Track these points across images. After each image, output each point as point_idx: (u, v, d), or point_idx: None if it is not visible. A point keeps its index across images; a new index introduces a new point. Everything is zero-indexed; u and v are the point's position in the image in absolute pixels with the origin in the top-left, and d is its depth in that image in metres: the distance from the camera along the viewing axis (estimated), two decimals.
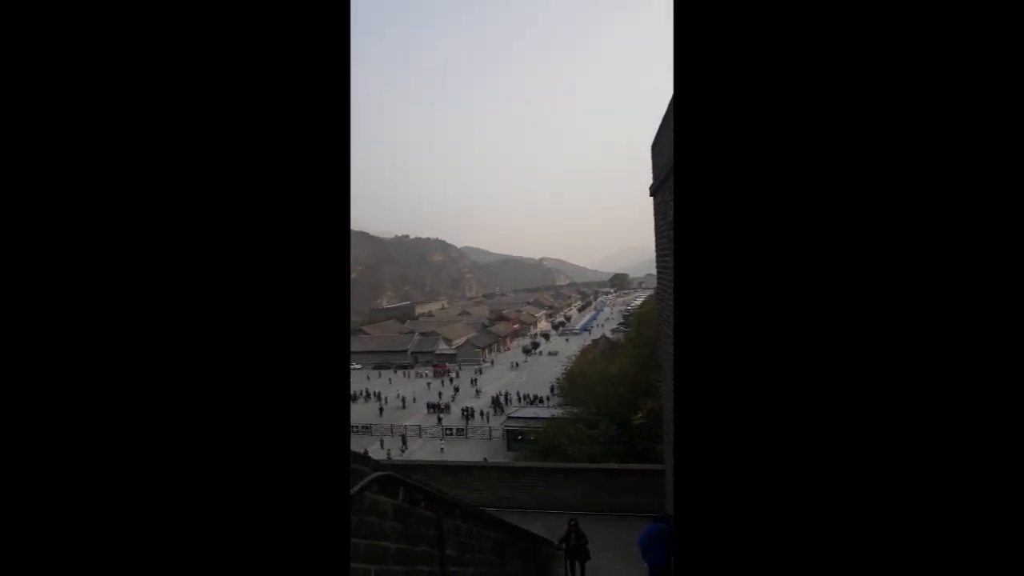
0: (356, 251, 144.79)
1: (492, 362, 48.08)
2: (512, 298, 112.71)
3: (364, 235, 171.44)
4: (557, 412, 21.93)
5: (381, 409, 31.68)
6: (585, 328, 64.72)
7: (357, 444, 23.58)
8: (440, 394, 34.86)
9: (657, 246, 6.17)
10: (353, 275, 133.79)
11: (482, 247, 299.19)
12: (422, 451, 23.61)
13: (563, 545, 6.09)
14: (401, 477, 2.15)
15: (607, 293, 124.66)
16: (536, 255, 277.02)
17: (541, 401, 29.76)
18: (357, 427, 27.27)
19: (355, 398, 35.39)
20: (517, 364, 45.13)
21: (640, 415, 12.17)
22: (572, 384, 23.09)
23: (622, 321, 55.42)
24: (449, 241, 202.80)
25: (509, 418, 24.10)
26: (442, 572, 2.55)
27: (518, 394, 32.18)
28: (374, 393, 36.49)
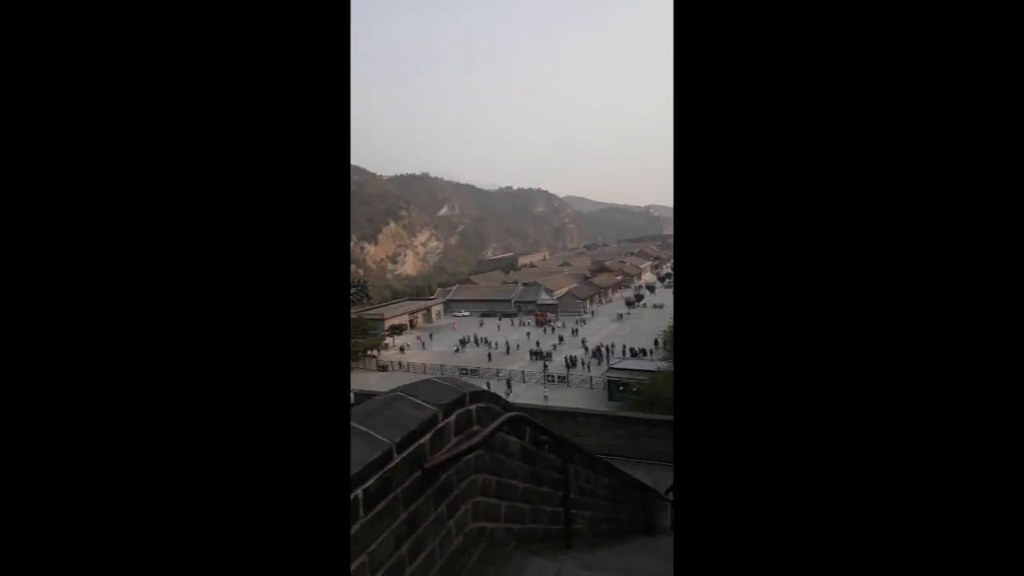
0: (463, 204, 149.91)
1: (593, 313, 47.79)
2: (615, 248, 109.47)
3: (471, 188, 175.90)
4: (663, 365, 21.30)
5: (490, 355, 33.42)
6: None
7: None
8: (538, 343, 35.76)
9: None
10: (460, 227, 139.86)
11: (585, 196, 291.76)
12: (525, 395, 24.69)
13: (670, 495, 6.01)
14: (530, 418, 2.15)
15: None
16: (642, 203, 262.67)
17: (645, 354, 29.14)
18: (466, 370, 29.27)
19: (465, 343, 37.79)
20: (620, 316, 44.35)
21: None
22: None
23: None
24: (552, 191, 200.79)
25: (611, 368, 24.03)
26: (565, 513, 2.58)
27: (623, 346, 31.82)
28: (482, 339, 38.62)
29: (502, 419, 1.73)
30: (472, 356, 34.14)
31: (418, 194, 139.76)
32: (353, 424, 1.31)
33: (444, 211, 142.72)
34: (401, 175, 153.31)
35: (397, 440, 1.30)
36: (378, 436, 1.28)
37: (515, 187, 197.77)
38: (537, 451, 2.36)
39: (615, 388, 22.13)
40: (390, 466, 1.26)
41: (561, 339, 36.77)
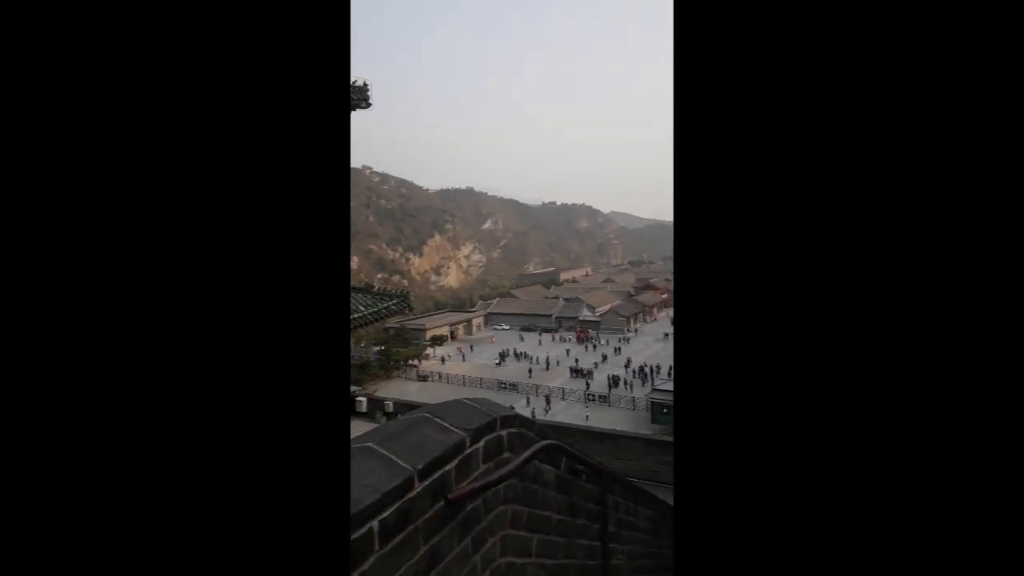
0: (506, 219, 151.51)
1: (637, 332, 46.60)
2: (661, 266, 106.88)
3: (515, 202, 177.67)
4: None
5: (530, 370, 33.14)
6: None
7: (504, 400, 25.24)
8: (577, 360, 35.16)
9: None
10: (502, 241, 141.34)
11: (630, 212, 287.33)
12: (564, 414, 24.18)
13: None
14: (566, 447, 2.01)
15: None
16: None
17: None
18: (505, 384, 29.12)
19: (505, 356, 37.76)
20: (666, 335, 42.93)
21: None
22: None
23: None
24: (596, 206, 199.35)
25: (655, 390, 23.19)
26: (603, 548, 2.40)
27: (669, 368, 30.72)
28: (522, 353, 38.42)
29: (535, 448, 1.61)
30: (512, 370, 33.97)
31: (463, 208, 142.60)
32: (374, 447, 1.22)
33: (488, 225, 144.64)
34: (447, 189, 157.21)
35: (419, 467, 1.20)
36: (399, 462, 1.19)
37: (559, 202, 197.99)
38: (573, 480, 2.21)
39: (659, 410, 21.31)
40: (410, 495, 1.16)
41: (604, 357, 35.97)
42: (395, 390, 27.26)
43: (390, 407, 12.83)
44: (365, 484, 1.09)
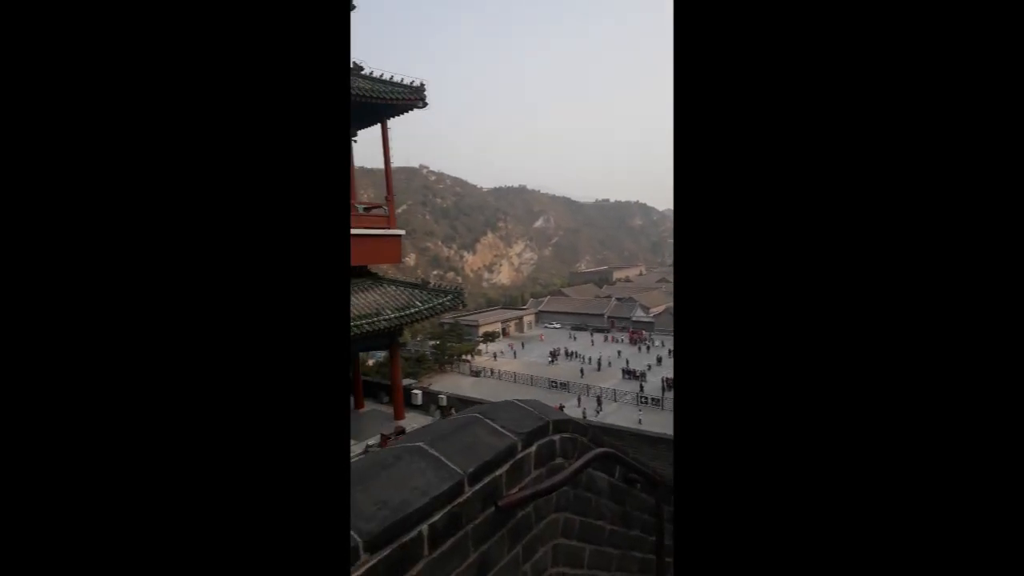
0: (558, 216, 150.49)
1: None
2: None
3: (567, 200, 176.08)
4: None
5: (582, 370, 32.80)
6: None
7: (555, 399, 25.08)
8: (628, 361, 34.38)
9: None
10: (554, 239, 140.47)
11: None
12: (616, 416, 23.66)
13: None
14: (621, 455, 1.91)
15: None
16: None
17: None
18: (556, 383, 28.96)
19: (556, 355, 37.55)
20: None
21: None
22: None
23: None
24: (650, 204, 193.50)
25: None
26: (658, 561, 2.28)
27: None
28: (573, 352, 38.07)
29: (589, 456, 1.53)
30: (563, 369, 33.74)
31: (515, 206, 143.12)
32: (424, 447, 1.20)
33: (539, 223, 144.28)
34: (500, 187, 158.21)
35: (470, 471, 1.17)
36: (449, 464, 1.16)
37: (612, 199, 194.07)
38: (628, 489, 2.11)
39: None
40: (460, 500, 1.13)
41: (659, 360, 34.89)
42: (449, 384, 27.84)
43: (444, 400, 13.08)
44: (414, 486, 1.07)
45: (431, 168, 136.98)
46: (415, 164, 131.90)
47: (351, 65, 11.76)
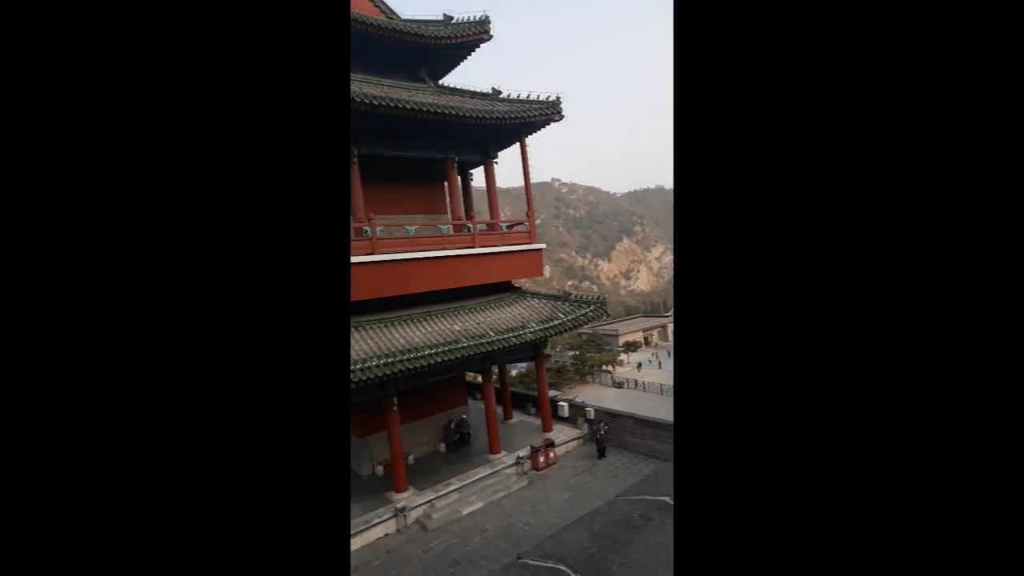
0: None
1: None
2: None
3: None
4: None
5: None
6: None
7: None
8: None
9: None
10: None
11: None
12: None
13: None
14: None
15: None
16: None
17: None
18: None
19: None
20: None
21: None
22: None
23: None
24: None
25: None
26: None
27: None
28: None
29: None
30: None
31: (652, 207, 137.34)
32: None
33: None
34: (635, 190, 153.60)
35: None
36: None
37: None
38: None
39: None
40: None
41: None
42: (591, 395, 27.48)
43: (591, 413, 12.84)
44: None
45: (563, 180, 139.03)
46: (547, 178, 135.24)
47: (490, 91, 12.35)
